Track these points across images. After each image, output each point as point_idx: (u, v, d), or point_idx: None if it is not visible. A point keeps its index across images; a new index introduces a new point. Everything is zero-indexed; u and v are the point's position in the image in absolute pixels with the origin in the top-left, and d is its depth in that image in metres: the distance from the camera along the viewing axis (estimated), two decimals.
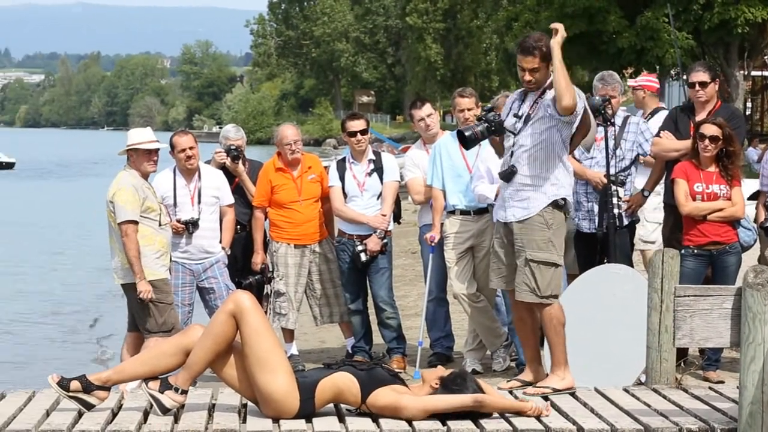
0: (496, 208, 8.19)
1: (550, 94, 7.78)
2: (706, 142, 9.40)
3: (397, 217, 11.02)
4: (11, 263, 24.54)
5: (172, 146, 10.35)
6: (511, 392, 7.81)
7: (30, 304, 19.10)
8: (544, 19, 41.54)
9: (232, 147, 10.86)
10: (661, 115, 10.96)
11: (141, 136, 9.54)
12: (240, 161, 10.92)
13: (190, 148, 10.28)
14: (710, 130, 9.40)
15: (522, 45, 7.86)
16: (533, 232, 7.78)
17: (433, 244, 10.30)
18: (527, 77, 7.83)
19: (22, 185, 54.31)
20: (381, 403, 6.96)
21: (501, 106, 9.78)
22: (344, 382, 7.00)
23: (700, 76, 9.93)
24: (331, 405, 7.20)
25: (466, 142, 8.09)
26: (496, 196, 9.58)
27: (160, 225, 9.46)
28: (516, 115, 7.93)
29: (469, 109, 10.20)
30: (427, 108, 10.74)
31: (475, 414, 6.97)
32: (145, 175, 9.52)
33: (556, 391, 7.73)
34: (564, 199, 7.88)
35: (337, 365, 7.17)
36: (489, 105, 8.25)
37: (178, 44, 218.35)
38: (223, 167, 10.95)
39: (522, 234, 7.81)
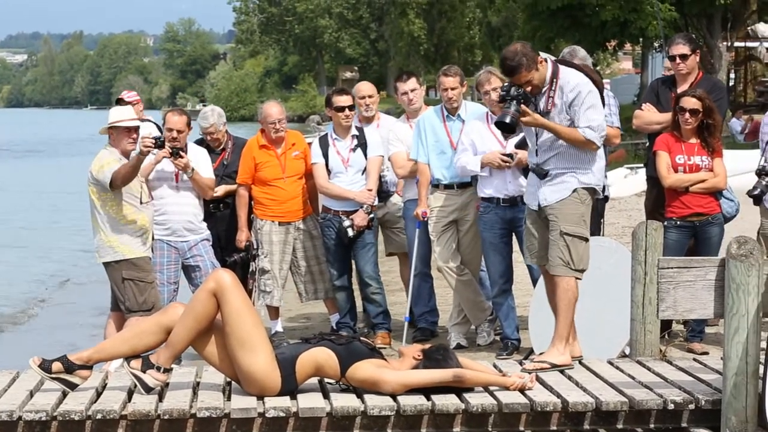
0: (527, 197, 8.14)
1: (561, 84, 7.70)
2: (686, 115, 9.40)
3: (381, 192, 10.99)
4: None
5: (163, 122, 10.35)
6: (495, 365, 7.80)
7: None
8: None
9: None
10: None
11: (121, 115, 9.51)
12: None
13: (178, 131, 10.24)
14: (689, 102, 9.40)
15: (503, 68, 7.80)
16: (567, 206, 7.78)
17: (425, 219, 10.28)
18: (528, 88, 7.72)
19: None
20: (360, 376, 6.97)
21: (484, 82, 9.79)
22: (323, 356, 7.00)
23: (680, 48, 9.91)
24: (315, 381, 7.21)
25: (510, 127, 7.83)
26: (491, 168, 9.60)
27: (141, 203, 9.43)
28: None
29: (453, 88, 10.16)
30: (412, 82, 10.70)
31: (458, 388, 6.98)
32: (125, 154, 9.47)
33: (554, 366, 7.65)
34: (594, 187, 7.88)
35: (315, 339, 7.18)
36: (506, 84, 7.99)
37: (160, 22, 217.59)
38: (207, 146, 10.91)
39: (556, 209, 7.80)
